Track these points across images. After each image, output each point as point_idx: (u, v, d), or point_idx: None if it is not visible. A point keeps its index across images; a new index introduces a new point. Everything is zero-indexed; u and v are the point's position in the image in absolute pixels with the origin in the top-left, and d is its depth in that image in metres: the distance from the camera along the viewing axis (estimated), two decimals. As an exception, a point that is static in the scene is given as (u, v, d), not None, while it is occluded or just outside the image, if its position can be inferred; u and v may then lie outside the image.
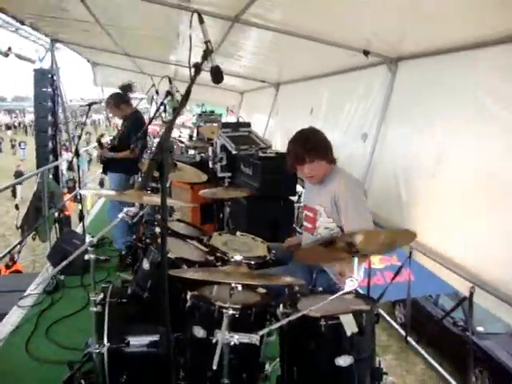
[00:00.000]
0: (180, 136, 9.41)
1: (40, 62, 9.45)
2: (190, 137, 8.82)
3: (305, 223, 3.48)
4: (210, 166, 5.39)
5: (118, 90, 5.85)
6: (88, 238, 2.51)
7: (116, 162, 5.49)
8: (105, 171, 5.71)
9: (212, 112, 9.33)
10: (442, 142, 3.22)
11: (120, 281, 3.39)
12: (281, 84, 7.74)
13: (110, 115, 5.62)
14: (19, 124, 60.79)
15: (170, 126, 1.67)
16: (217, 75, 2.15)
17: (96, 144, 5.79)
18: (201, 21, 2.13)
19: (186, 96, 1.85)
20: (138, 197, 2.68)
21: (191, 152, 7.89)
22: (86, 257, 2.55)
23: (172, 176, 3.73)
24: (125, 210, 2.56)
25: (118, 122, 6.50)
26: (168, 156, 1.53)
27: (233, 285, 2.24)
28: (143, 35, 6.16)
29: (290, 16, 3.72)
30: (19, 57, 8.58)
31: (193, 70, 1.93)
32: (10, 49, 7.90)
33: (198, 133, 8.51)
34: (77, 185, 8.89)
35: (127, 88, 5.78)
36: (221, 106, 11.93)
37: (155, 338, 2.80)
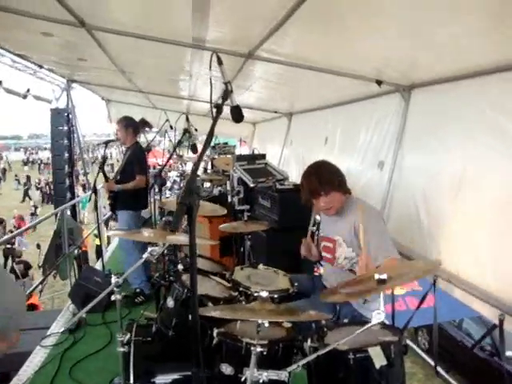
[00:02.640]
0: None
1: (56, 102, 9.68)
2: (205, 169, 8.89)
3: (324, 254, 3.48)
4: (229, 199, 5.41)
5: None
6: (114, 279, 2.53)
7: (122, 198, 5.42)
8: (113, 209, 5.62)
9: (226, 144, 9.43)
10: (461, 166, 3.22)
11: (144, 319, 3.39)
12: (293, 114, 7.81)
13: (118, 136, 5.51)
14: (32, 161, 61.99)
15: (195, 167, 1.70)
16: (237, 114, 2.20)
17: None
18: (219, 62, 2.18)
19: (210, 135, 1.89)
20: (162, 236, 2.70)
21: (207, 185, 7.94)
22: (113, 297, 2.57)
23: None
24: (149, 249, 2.58)
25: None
26: (196, 198, 1.56)
27: (259, 321, 2.23)
28: (156, 73, 6.30)
29: (301, 49, 3.79)
30: (37, 98, 8.79)
31: (214, 110, 1.97)
32: (28, 90, 8.12)
33: (212, 165, 8.59)
34: (95, 221, 9.02)
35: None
36: (233, 137, 12.05)
37: (181, 376, 2.79)
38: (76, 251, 7.69)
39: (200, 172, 8.90)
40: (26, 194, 34.39)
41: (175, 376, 2.80)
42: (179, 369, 2.80)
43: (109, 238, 9.68)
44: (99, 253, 14.81)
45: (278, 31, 3.07)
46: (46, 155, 62.21)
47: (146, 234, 2.85)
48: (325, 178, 3.22)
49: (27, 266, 14.66)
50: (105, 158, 5.20)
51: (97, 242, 14.59)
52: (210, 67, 2.15)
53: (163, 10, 3.30)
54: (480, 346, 9.55)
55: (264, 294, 2.36)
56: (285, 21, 2.81)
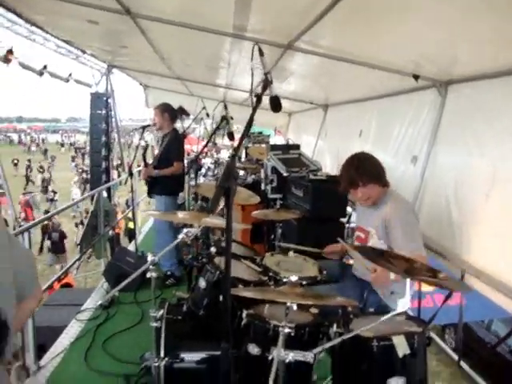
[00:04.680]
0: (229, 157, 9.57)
1: (96, 86, 9.90)
2: (239, 158, 8.98)
3: (356, 243, 3.54)
4: (262, 187, 5.48)
5: None
6: (149, 257, 2.64)
7: (160, 183, 5.55)
8: (149, 194, 5.76)
9: (260, 133, 9.50)
10: (495, 164, 3.19)
11: (176, 298, 3.51)
12: (329, 106, 7.81)
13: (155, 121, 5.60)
14: (70, 143, 63.56)
15: (235, 153, 1.78)
16: (276, 104, 2.27)
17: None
18: (261, 53, 2.25)
19: (249, 123, 1.97)
20: (197, 218, 2.80)
21: (241, 173, 8.04)
22: (148, 275, 2.68)
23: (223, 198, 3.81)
24: (185, 230, 2.68)
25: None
26: (234, 183, 1.64)
27: (288, 304, 2.31)
28: (195, 60, 6.39)
29: (339, 41, 3.80)
30: (78, 82, 9.02)
31: (254, 99, 2.05)
32: (70, 75, 8.34)
33: (246, 154, 8.69)
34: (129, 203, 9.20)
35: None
36: (268, 126, 12.08)
37: (209, 354, 2.90)
38: (110, 232, 7.89)
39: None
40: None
41: (203, 354, 2.93)
42: (208, 347, 2.92)
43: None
44: (130, 235, 15.17)
45: (318, 23, 3.10)
46: (82, 138, 63.77)
47: (182, 215, 2.96)
48: (364, 169, 3.29)
49: (62, 236, 15.13)
50: (147, 145, 5.34)
51: (130, 225, 14.93)
52: (252, 58, 2.22)
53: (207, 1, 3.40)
54: (510, 350, 9.41)
55: (293, 278, 2.44)
56: (326, 12, 2.84)
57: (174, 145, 5.59)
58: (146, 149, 5.40)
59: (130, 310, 5.00)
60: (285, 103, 8.50)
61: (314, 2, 2.78)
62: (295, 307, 2.31)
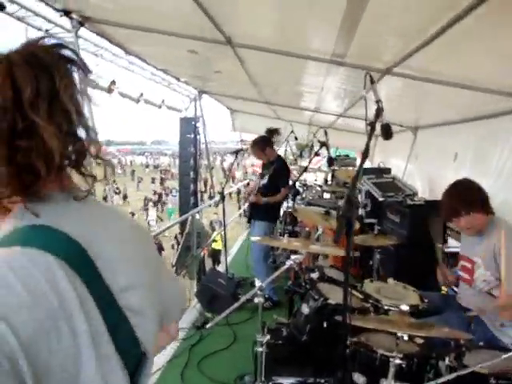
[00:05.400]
0: (316, 180, 9.58)
1: (185, 111, 10.29)
2: (326, 181, 8.96)
3: (461, 273, 3.42)
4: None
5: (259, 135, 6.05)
6: (257, 283, 2.68)
7: (263, 209, 5.61)
8: (249, 220, 5.87)
9: (346, 156, 9.44)
10: None
11: (274, 322, 3.54)
12: (419, 128, 7.63)
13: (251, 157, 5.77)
14: (154, 165, 66.35)
15: (354, 181, 1.79)
16: (387, 132, 2.26)
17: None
18: (372, 81, 2.26)
19: (366, 152, 1.98)
20: (305, 246, 2.82)
21: (326, 196, 8.02)
22: (256, 300, 2.72)
23: (322, 223, 3.83)
24: (293, 257, 2.71)
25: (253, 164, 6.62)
26: (355, 213, 1.66)
27: (399, 334, 2.27)
28: (286, 85, 6.50)
29: (438, 65, 3.72)
30: (169, 107, 9.42)
31: (368, 127, 2.06)
32: (163, 101, 8.75)
33: (333, 176, 8.66)
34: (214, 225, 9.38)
35: (274, 132, 5.97)
36: (353, 149, 11.96)
37: (312, 381, 2.89)
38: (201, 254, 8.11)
39: (320, 182, 9.01)
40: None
41: (304, 380, 2.92)
42: (309, 374, 2.91)
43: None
44: (214, 256, 15.47)
45: (422, 49, 3.07)
46: (166, 160, 66.43)
47: (286, 241, 2.99)
48: (466, 197, 3.18)
49: (160, 248, 15.63)
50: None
51: (214, 246, 15.21)
52: (365, 86, 2.24)
53: (308, 29, 3.45)
54: None
55: (404, 307, 2.39)
56: (436, 37, 2.79)
57: (281, 172, 5.67)
58: (228, 173, 5.53)
59: (222, 331, 5.07)
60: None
61: (423, 28, 2.76)
62: (406, 337, 2.27)
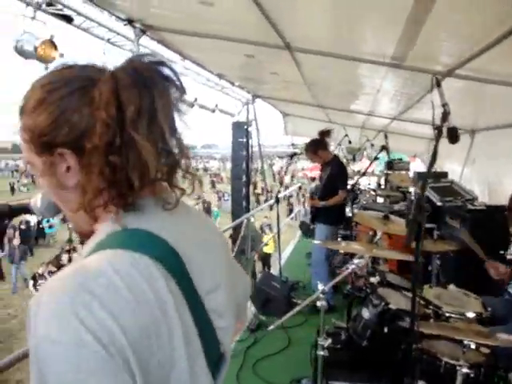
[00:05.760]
0: (369, 184, 9.47)
1: (237, 115, 10.38)
2: (379, 185, 8.85)
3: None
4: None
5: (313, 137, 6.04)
6: (320, 286, 2.69)
7: (325, 212, 5.60)
8: (313, 221, 5.85)
9: (400, 159, 9.28)
10: None
11: (332, 326, 3.53)
12: (476, 131, 7.42)
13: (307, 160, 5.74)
14: (204, 169, 67.14)
15: (423, 186, 1.77)
16: (453, 135, 2.23)
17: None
18: (438, 84, 2.23)
19: (434, 157, 1.96)
20: (369, 250, 2.81)
21: (380, 200, 7.90)
22: (318, 304, 2.72)
23: (380, 228, 3.78)
24: (355, 261, 2.70)
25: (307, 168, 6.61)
26: (424, 217, 1.64)
27: (465, 342, 2.23)
28: (340, 88, 6.46)
29: (498, 65, 3.61)
30: (223, 112, 9.52)
31: (435, 131, 2.04)
32: (216, 105, 8.86)
33: (386, 181, 8.53)
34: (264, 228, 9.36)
35: (326, 134, 5.94)
36: (406, 152, 11.75)
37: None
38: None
39: (373, 186, 8.90)
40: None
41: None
42: (369, 379, 2.89)
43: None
44: (265, 260, 15.49)
45: (487, 51, 3.00)
46: (215, 164, 67.08)
47: (346, 244, 2.99)
48: None
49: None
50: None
51: (265, 250, 15.23)
52: (431, 90, 2.21)
53: (369, 32, 3.44)
54: None
55: (470, 314, 2.35)
56: (499, 41, 2.73)
57: (338, 174, 5.65)
58: (282, 176, 5.55)
59: (277, 334, 5.07)
60: (425, 128, 8.31)
61: (491, 30, 2.69)
62: (473, 346, 2.23)
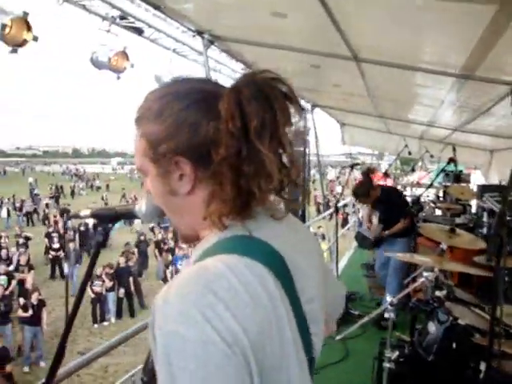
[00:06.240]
0: (428, 196, 9.27)
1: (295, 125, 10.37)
2: (438, 197, 8.65)
3: None
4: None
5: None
6: (388, 298, 2.67)
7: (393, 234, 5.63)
8: (377, 245, 5.89)
9: (461, 171, 9.04)
10: None
11: (396, 339, 3.48)
12: (550, 142, 7.15)
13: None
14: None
15: (505, 199, 1.75)
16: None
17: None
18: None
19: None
20: (439, 262, 2.77)
21: (437, 212, 7.73)
22: (386, 315, 2.71)
23: (445, 240, 3.70)
24: (425, 274, 2.67)
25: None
26: (505, 231, 1.62)
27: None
28: (402, 99, 6.38)
29: None
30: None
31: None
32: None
33: (445, 193, 8.32)
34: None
35: (370, 171, 5.90)
36: (465, 164, 11.44)
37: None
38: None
39: (432, 198, 8.71)
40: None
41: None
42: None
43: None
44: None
45: None
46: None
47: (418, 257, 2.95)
48: None
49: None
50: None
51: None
52: (502, 99, 2.17)
53: (440, 44, 3.39)
54: None
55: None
56: None
57: (391, 206, 5.63)
58: (342, 187, 5.50)
59: (334, 345, 5.03)
60: (486, 139, 8.04)
61: None
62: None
